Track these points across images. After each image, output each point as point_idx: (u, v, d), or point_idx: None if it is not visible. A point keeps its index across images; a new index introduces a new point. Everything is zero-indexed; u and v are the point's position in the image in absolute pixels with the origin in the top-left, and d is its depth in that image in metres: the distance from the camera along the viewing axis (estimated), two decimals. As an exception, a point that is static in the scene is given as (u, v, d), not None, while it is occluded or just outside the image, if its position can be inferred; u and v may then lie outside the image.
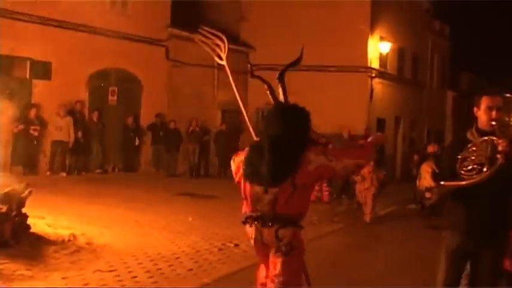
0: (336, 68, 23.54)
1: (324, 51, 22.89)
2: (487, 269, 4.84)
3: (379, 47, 25.32)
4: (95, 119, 18.75)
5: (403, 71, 28.89)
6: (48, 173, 17.17)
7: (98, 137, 18.79)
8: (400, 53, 28.18)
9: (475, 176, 4.63)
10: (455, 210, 4.98)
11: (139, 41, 20.04)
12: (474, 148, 4.75)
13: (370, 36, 24.53)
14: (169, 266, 8.41)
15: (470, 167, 4.69)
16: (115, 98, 19.93)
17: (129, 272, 7.91)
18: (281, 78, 5.36)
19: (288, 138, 4.88)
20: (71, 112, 17.86)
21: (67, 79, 17.87)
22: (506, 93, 51.89)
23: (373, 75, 25.04)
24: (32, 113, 16.94)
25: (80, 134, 17.87)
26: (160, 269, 8.20)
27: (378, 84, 25.53)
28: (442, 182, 4.83)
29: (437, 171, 5.20)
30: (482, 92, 4.94)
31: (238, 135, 22.44)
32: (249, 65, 7.03)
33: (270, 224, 4.73)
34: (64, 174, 17.41)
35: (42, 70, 17.38)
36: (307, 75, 23.73)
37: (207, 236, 10.64)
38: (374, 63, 25.13)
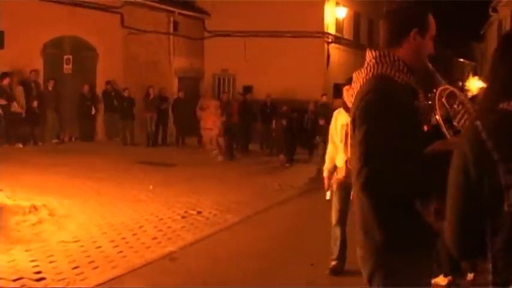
0: (292, 34, 23.51)
1: (280, 16, 22.88)
2: None
3: (335, 12, 25.38)
4: (50, 88, 18.42)
5: (360, 36, 29.04)
6: (6, 145, 16.86)
7: (54, 107, 18.47)
8: (356, 18, 28.30)
9: None
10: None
11: (93, 8, 19.65)
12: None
13: (326, 2, 24.55)
14: (133, 235, 8.42)
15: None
16: (70, 66, 19.59)
17: (94, 242, 7.89)
18: None
19: None
20: (22, 81, 17.54)
21: (21, 48, 17.46)
22: (461, 58, 52.84)
23: (330, 40, 25.13)
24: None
25: (35, 103, 17.56)
26: (124, 238, 8.20)
27: (334, 50, 25.63)
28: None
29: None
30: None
31: (196, 102, 22.27)
32: None
33: None
34: (20, 145, 17.11)
35: (-5, 39, 16.97)
36: (264, 41, 23.72)
37: (169, 204, 10.65)
38: (330, 28, 25.20)
